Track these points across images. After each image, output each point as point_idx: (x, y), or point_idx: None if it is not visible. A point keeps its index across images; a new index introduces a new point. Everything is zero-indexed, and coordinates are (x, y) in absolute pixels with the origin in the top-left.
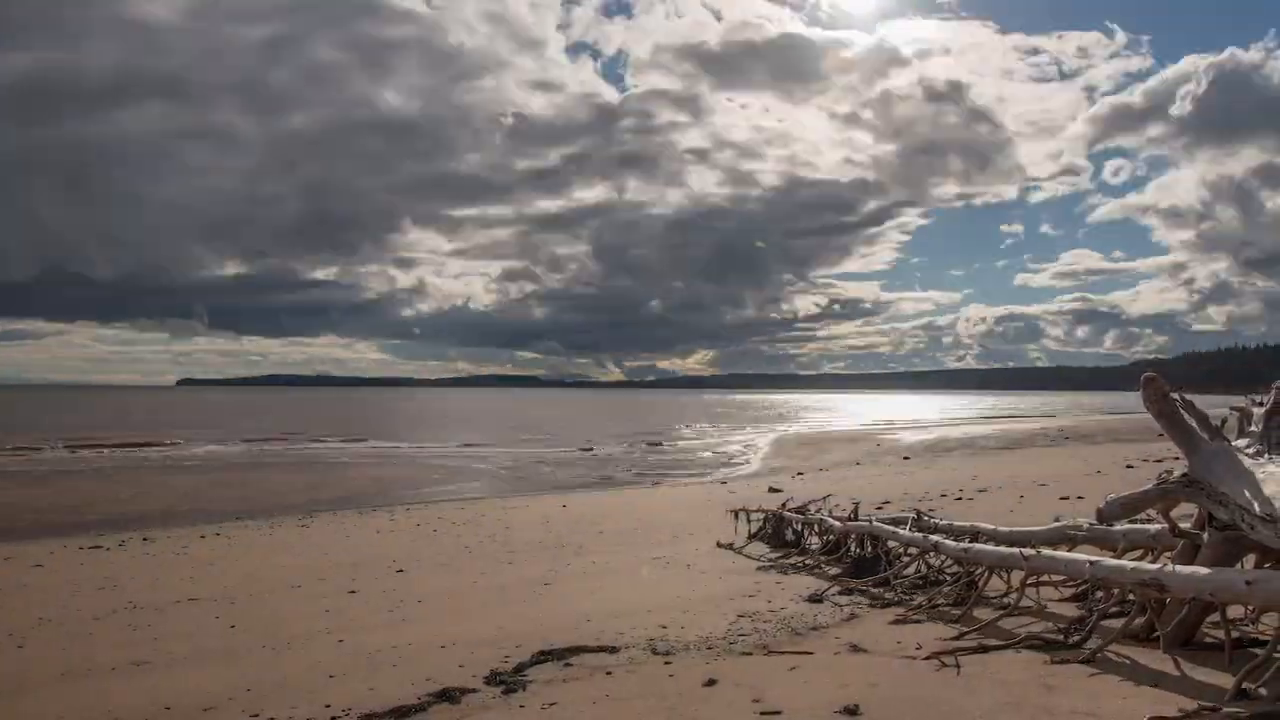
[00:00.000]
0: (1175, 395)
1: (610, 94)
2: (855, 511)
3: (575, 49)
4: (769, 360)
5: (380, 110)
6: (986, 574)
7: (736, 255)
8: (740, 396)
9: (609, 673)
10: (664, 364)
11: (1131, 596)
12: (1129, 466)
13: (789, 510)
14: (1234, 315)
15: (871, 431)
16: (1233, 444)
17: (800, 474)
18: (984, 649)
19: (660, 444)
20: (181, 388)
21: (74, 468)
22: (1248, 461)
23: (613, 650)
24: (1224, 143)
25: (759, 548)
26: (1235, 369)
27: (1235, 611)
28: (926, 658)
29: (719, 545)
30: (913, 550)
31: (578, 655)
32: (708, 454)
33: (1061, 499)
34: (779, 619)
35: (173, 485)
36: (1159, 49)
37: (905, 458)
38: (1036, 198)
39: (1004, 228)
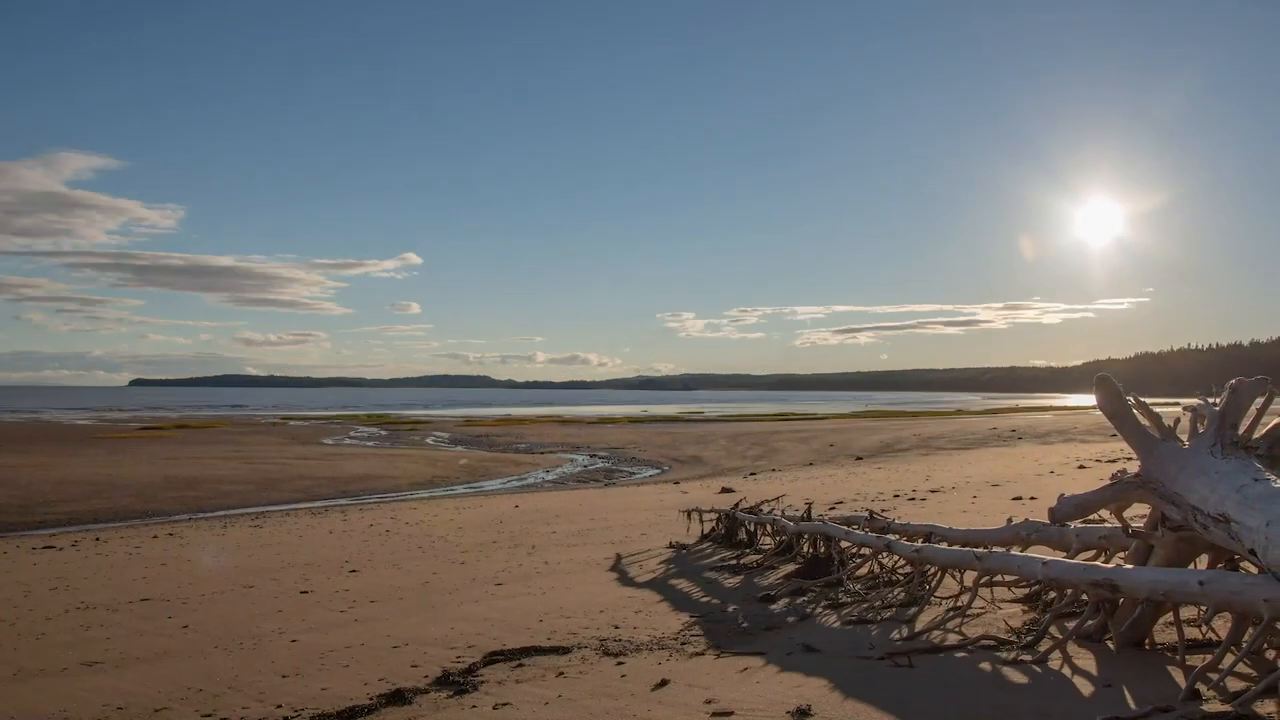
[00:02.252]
0: (1129, 396)
1: None
2: (808, 512)
3: None
4: None
5: None
6: (940, 574)
7: None
8: None
9: (561, 673)
10: None
11: (1084, 597)
12: (1081, 467)
13: (741, 510)
14: None
15: (823, 430)
16: (1186, 444)
17: (753, 474)
18: (937, 649)
19: None
20: None
21: None
22: (1201, 462)
23: (564, 651)
24: None
25: (712, 548)
26: (1188, 369)
27: (1189, 612)
28: (880, 658)
29: (671, 545)
30: (866, 550)
31: (529, 656)
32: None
33: (1014, 499)
34: (731, 619)
35: (126, 484)
36: None
37: (858, 458)
38: None
39: None
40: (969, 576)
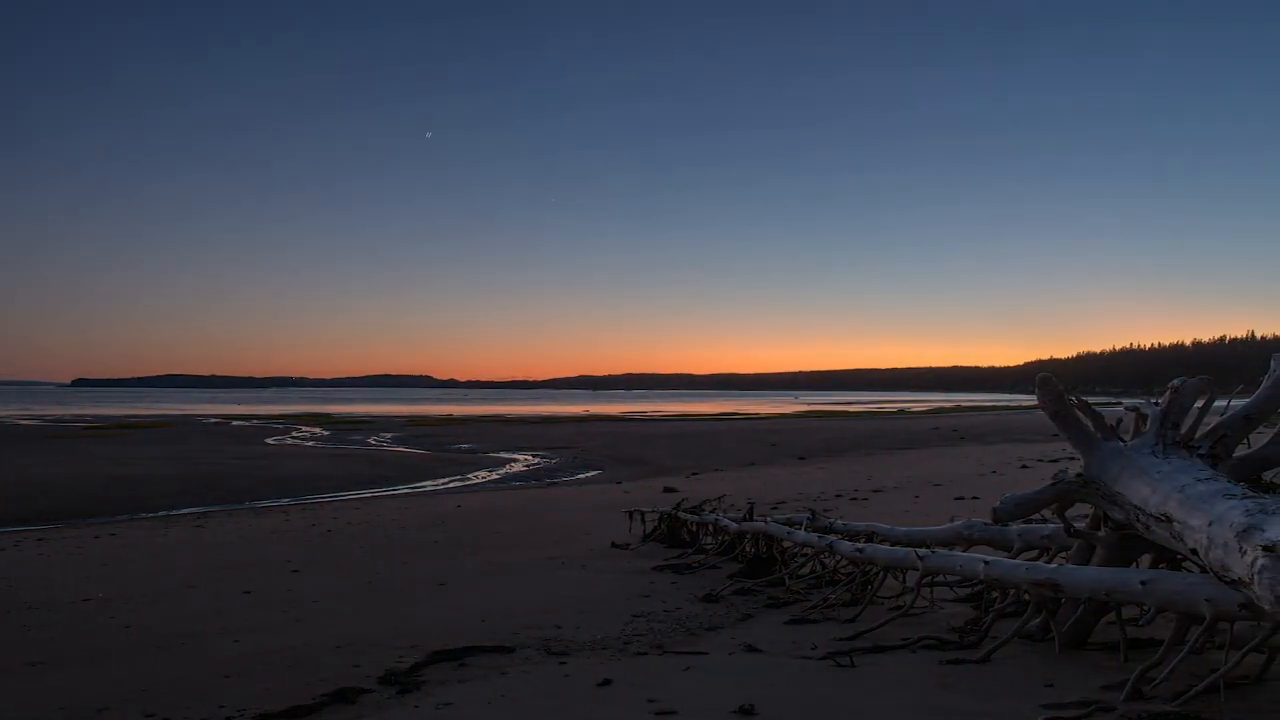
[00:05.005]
0: (1070, 395)
1: None
2: (750, 511)
3: None
4: None
5: None
6: (882, 574)
7: None
8: None
9: (504, 673)
10: None
11: (1026, 597)
12: (1024, 466)
13: (684, 510)
14: None
15: (765, 430)
16: (1128, 444)
17: (695, 474)
18: (879, 649)
19: None
20: None
21: None
22: (1143, 461)
23: (507, 650)
24: None
25: (654, 548)
26: (1130, 370)
27: (1132, 612)
28: (822, 658)
29: (614, 545)
30: (808, 551)
31: (472, 655)
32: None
33: (957, 499)
34: (674, 619)
35: (68, 484)
36: None
37: (800, 458)
38: None
39: None
40: (911, 576)
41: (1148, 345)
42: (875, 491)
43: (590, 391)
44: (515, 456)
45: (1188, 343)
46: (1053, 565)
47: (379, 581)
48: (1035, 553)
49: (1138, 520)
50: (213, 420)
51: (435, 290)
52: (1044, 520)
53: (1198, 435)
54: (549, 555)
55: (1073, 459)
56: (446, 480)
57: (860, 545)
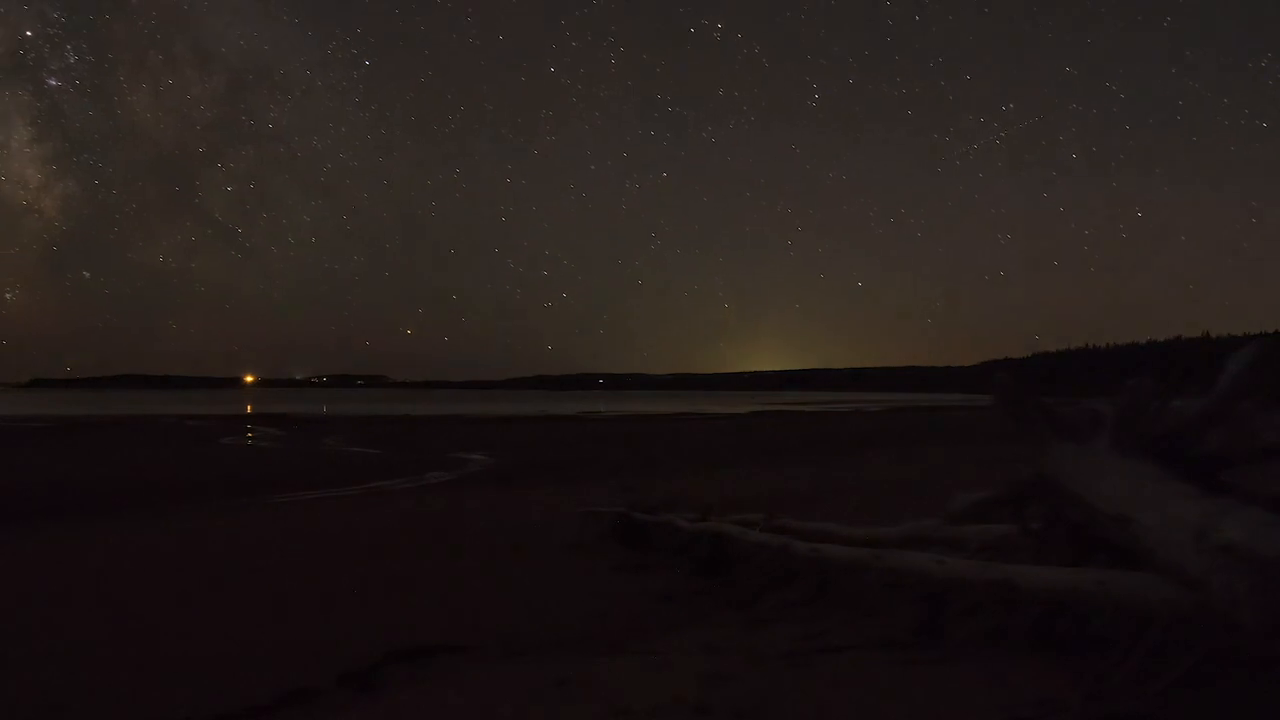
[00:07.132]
0: (1026, 395)
1: None
2: (706, 512)
3: None
4: None
5: None
6: (838, 574)
7: None
8: None
9: (461, 673)
10: None
11: (983, 597)
12: (980, 466)
13: (640, 511)
14: None
15: (722, 429)
16: (1084, 444)
17: (652, 474)
18: (836, 649)
19: None
20: None
21: None
22: (1099, 462)
23: (465, 650)
24: None
25: (610, 548)
26: (1086, 369)
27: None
28: (778, 657)
29: (570, 545)
30: (764, 551)
31: (430, 655)
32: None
33: (913, 499)
34: (630, 619)
35: (14, 487)
36: None
37: (758, 458)
38: None
39: None
40: (867, 576)
41: (1103, 344)
42: (831, 491)
43: (547, 391)
44: (471, 456)
45: (1142, 342)
46: (1009, 565)
47: (335, 582)
48: (991, 553)
49: (1094, 520)
50: (168, 420)
51: (393, 288)
52: (1000, 520)
53: (1154, 435)
54: (505, 555)
55: (1029, 459)
56: (403, 480)
57: (815, 545)
